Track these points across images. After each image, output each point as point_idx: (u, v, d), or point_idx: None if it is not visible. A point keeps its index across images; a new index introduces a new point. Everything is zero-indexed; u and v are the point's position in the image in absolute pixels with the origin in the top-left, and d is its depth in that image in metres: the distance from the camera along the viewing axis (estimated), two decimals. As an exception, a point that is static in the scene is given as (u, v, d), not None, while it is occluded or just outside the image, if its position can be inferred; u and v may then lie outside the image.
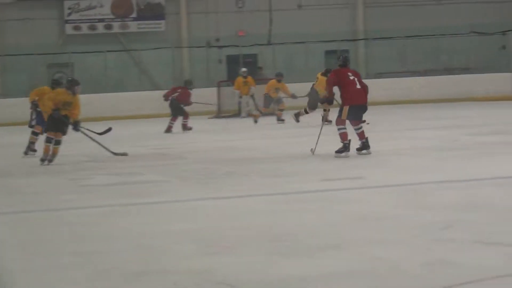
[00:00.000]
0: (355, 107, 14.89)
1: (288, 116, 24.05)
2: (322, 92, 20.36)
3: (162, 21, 38.08)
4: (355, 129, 15.04)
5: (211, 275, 6.78)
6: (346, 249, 7.67)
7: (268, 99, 25.36)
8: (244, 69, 29.23)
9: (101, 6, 37.73)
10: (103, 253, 7.87)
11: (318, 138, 15.55)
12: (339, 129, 14.94)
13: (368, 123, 15.34)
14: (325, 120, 16.36)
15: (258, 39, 35.72)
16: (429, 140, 17.71)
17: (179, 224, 9.28)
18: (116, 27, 37.93)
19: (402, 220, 8.97)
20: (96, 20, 37.77)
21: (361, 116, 15.04)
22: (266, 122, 25.19)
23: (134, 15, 38.10)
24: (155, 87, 35.12)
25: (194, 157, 16.67)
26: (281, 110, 25.22)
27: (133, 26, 38.05)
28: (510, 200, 10.08)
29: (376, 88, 31.97)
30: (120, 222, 9.68)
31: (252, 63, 35.08)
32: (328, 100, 15.40)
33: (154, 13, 38.00)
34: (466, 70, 32.85)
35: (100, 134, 17.27)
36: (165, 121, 23.95)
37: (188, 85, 24.98)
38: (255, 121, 25.03)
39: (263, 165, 14.75)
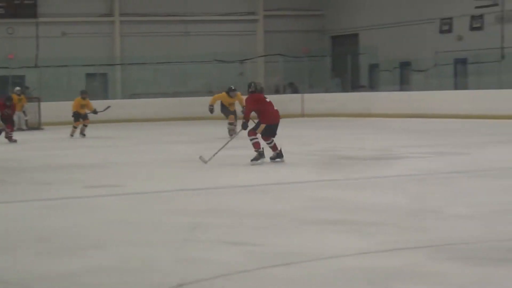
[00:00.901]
0: (272, 126, 14.84)
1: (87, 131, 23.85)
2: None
3: None
4: (267, 143, 14.78)
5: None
6: (106, 248, 7.60)
7: (76, 116, 24.69)
8: (18, 88, 28.76)
9: None
10: None
11: (218, 151, 14.98)
12: (251, 139, 14.69)
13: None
14: (232, 133, 16.27)
15: (26, 62, 35.17)
16: (175, 153, 17.90)
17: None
18: None
19: (155, 223, 8.98)
20: None
21: (274, 133, 14.87)
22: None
23: None
24: None
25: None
26: (86, 125, 24.58)
27: None
28: (246, 206, 10.24)
29: (130, 107, 32.25)
30: None
31: (20, 83, 34.49)
32: (244, 125, 14.91)
33: None
34: (210, 93, 33.24)
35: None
36: None
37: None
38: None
39: (34, 174, 14.43)
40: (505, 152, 16.21)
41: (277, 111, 15.03)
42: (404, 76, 35.09)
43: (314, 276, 6.39)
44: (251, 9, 39.95)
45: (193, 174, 13.95)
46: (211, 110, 22.17)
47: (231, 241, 7.82)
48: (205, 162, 14.56)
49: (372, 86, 36.65)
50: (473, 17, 33.24)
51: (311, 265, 6.76)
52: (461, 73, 32.62)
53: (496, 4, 31.56)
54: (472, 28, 33.35)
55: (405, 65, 34.97)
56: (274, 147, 14.83)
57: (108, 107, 25.49)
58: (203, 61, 36.10)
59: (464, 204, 9.73)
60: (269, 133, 14.76)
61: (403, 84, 34.55)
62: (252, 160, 14.62)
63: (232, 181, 12.81)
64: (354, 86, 36.52)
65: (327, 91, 36.51)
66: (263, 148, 14.65)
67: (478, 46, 31.82)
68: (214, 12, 38.92)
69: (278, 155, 14.83)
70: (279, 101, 33.89)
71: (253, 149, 14.64)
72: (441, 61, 32.84)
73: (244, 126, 14.83)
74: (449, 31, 34.37)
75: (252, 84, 15.36)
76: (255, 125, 14.86)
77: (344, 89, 36.32)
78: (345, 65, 36.77)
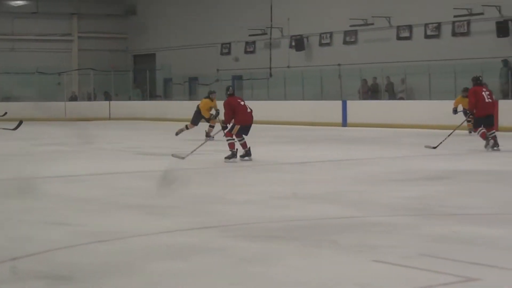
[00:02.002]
0: (245, 126, 13.90)
1: None
2: (204, 112, 19.60)
3: None
4: (239, 141, 13.88)
5: None
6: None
7: None
8: None
9: None
10: None
11: (195, 149, 14.17)
12: (228, 140, 13.86)
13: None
14: (208, 135, 15.33)
15: None
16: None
17: None
18: None
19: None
20: None
21: (247, 133, 13.94)
22: None
23: None
24: None
25: None
26: None
27: None
28: (69, 192, 10.04)
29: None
30: None
31: None
32: (224, 128, 14.25)
33: None
34: (30, 98, 32.44)
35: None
36: None
37: None
38: None
39: None
40: (279, 150, 16.53)
41: (250, 113, 14.10)
42: (192, 88, 35.37)
43: (130, 250, 6.38)
44: (67, 31, 39.86)
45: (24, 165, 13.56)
46: (216, 117, 19.56)
47: (56, 222, 7.68)
48: (182, 158, 13.67)
49: (167, 96, 36.83)
50: (247, 43, 33.92)
51: (126, 241, 6.74)
52: (238, 87, 33.21)
53: (265, 33, 32.31)
54: (246, 52, 34.04)
55: (193, 80, 35.27)
56: (243, 145, 13.97)
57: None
58: (27, 73, 35.18)
59: (246, 192, 9.90)
60: (243, 132, 13.93)
61: (192, 95, 34.79)
62: (225, 158, 13.77)
63: (56, 172, 12.48)
64: (152, 95, 36.59)
65: (130, 99, 36.33)
66: (237, 149, 13.84)
67: (251, 66, 32.54)
68: (36, 32, 38.56)
69: (246, 153, 13.96)
70: (91, 107, 33.92)
71: (228, 149, 13.86)
72: (221, 77, 33.34)
73: (224, 128, 14.28)
74: (228, 53, 34.95)
75: (230, 88, 14.42)
76: (230, 127, 13.98)
77: (144, 98, 36.30)
78: (144, 78, 36.81)
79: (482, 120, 15.16)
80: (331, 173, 12.33)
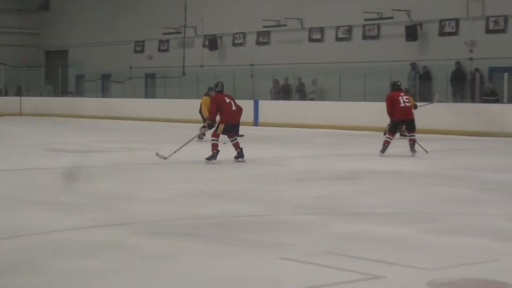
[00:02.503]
0: (229, 125, 13.11)
1: None
2: (204, 110, 17.88)
3: None
4: (231, 141, 13.27)
5: None
6: None
7: None
8: None
9: None
10: None
11: (182, 146, 13.53)
12: (212, 140, 13.11)
13: (243, 135, 13.79)
14: (200, 135, 14.57)
15: None
16: None
17: None
18: None
19: None
20: None
21: (235, 132, 13.27)
22: None
23: None
24: None
25: None
26: None
27: None
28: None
29: None
30: None
31: None
32: (210, 125, 13.69)
33: None
34: None
35: None
36: None
37: None
38: None
39: None
40: (192, 148, 16.44)
41: (236, 110, 13.29)
42: (106, 85, 34.94)
43: (37, 247, 6.23)
44: (-22, 26, 38.69)
45: None
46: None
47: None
48: (165, 158, 13.06)
49: (79, 92, 36.24)
50: (161, 41, 33.71)
51: (33, 238, 6.59)
52: (151, 85, 33.00)
53: (179, 32, 32.15)
54: (160, 50, 33.82)
55: (106, 77, 34.84)
56: (235, 145, 13.28)
57: None
58: None
59: (154, 190, 9.80)
60: (230, 131, 13.22)
61: (104, 92, 34.39)
62: (206, 159, 13.01)
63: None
64: (64, 92, 35.94)
65: (41, 95, 35.64)
66: (218, 151, 13.04)
67: (165, 64, 32.32)
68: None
69: (239, 154, 13.27)
70: (1, 103, 33.11)
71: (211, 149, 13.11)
72: (135, 74, 33.05)
73: (210, 126, 13.72)
74: (142, 51, 34.66)
75: (219, 84, 13.68)
76: (216, 127, 13.33)
77: (56, 94, 35.61)
78: (56, 75, 36.15)
79: (399, 124, 15.04)
80: (241, 171, 12.33)
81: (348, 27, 27.10)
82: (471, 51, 23.91)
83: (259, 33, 29.96)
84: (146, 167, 12.82)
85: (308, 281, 5.16)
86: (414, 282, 5.12)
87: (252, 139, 20.17)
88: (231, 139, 13.29)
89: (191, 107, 28.05)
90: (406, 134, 16.08)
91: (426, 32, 25.05)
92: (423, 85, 24.43)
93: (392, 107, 14.70)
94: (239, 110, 13.38)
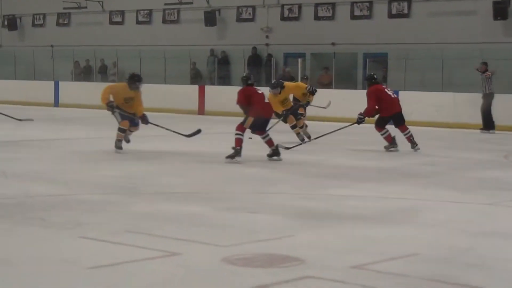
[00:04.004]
0: (260, 119, 11.12)
1: None
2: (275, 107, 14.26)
3: None
4: (262, 138, 11.22)
5: None
6: None
7: None
8: None
9: None
10: None
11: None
12: (236, 134, 10.98)
13: (251, 138, 11.85)
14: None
15: None
16: None
17: None
18: None
19: None
20: None
21: (265, 127, 11.23)
22: None
23: None
24: None
25: None
26: None
27: None
28: None
29: None
30: None
31: None
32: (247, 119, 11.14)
33: None
34: None
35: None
36: None
37: None
38: None
39: None
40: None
41: (269, 104, 11.42)
42: None
43: None
44: None
45: None
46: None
47: None
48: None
49: None
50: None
51: None
52: None
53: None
54: None
55: None
56: (269, 142, 11.22)
57: None
58: None
59: None
60: (258, 127, 11.24)
61: None
62: (226, 158, 10.87)
63: None
64: None
65: None
66: (240, 147, 10.95)
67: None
68: None
69: (274, 152, 11.20)
70: None
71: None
72: None
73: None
74: None
75: (251, 77, 11.58)
76: (243, 119, 11.18)
77: None
78: None
79: (388, 119, 13.08)
80: (40, 152, 11.97)
81: (148, 11, 26.99)
82: (267, 37, 24.49)
83: (59, 15, 29.19)
84: None
85: (106, 259, 5.11)
86: (209, 258, 5.19)
87: (52, 120, 19.69)
88: (262, 136, 11.31)
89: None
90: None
91: (224, 18, 25.39)
92: (221, 69, 24.80)
93: (379, 102, 12.87)
94: (269, 104, 11.58)
